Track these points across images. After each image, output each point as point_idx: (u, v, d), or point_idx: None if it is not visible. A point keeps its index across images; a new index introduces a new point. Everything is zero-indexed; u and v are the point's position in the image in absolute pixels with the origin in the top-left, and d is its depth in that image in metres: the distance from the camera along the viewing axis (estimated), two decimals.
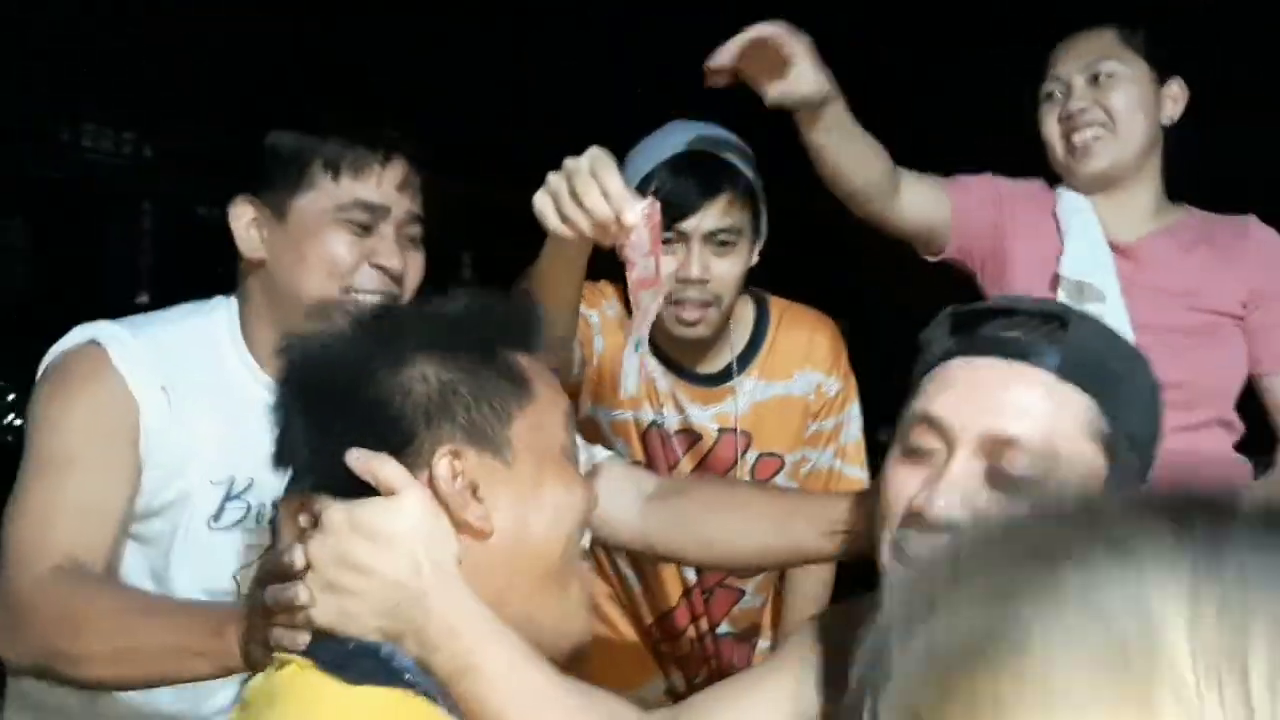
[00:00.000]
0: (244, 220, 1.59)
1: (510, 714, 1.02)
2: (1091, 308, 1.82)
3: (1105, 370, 1.08)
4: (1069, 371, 1.07)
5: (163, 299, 1.84)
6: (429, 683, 1.02)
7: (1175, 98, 1.99)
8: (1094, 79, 1.96)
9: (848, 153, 1.78)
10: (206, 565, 1.56)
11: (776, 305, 2.10)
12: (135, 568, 1.55)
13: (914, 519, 1.09)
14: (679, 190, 1.85)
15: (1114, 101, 1.95)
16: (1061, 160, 1.99)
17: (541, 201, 1.37)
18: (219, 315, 1.64)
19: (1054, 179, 2.03)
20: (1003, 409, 1.08)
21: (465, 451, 1.08)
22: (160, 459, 1.52)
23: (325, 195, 1.57)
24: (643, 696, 2.06)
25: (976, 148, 2.04)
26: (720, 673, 2.09)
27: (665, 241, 1.82)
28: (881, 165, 1.84)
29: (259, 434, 1.42)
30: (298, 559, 1.04)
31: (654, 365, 2.00)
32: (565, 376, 1.78)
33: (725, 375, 2.02)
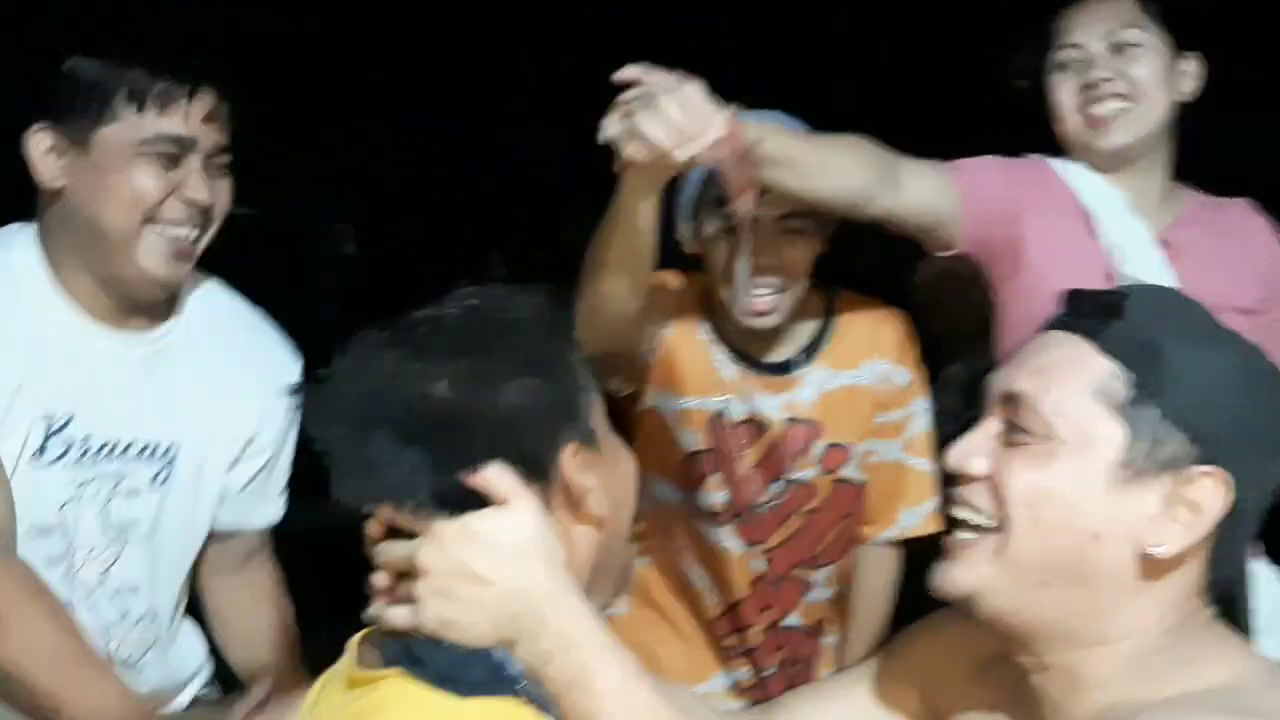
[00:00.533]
0: (41, 149, 1.57)
1: None
2: None
3: (1149, 343, 1.08)
4: (1108, 342, 1.10)
5: None
6: (540, 693, 1.03)
7: (1191, 73, 1.89)
8: (1116, 48, 1.84)
9: (815, 179, 1.71)
10: (31, 501, 1.55)
11: (845, 295, 2.08)
12: None
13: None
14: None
15: (1138, 72, 1.84)
16: (1077, 134, 1.88)
17: (613, 129, 1.39)
18: (17, 248, 1.62)
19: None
20: (1022, 369, 1.14)
21: (579, 448, 1.11)
22: None
23: (130, 128, 1.56)
24: (706, 692, 2.08)
25: (976, 148, 1.95)
26: (790, 664, 2.09)
27: (731, 229, 1.84)
28: (864, 173, 1.75)
29: (76, 369, 1.50)
30: (404, 560, 1.06)
31: (720, 355, 1.99)
32: (645, 337, 1.84)
33: (791, 364, 2.00)
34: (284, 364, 1.78)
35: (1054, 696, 1.13)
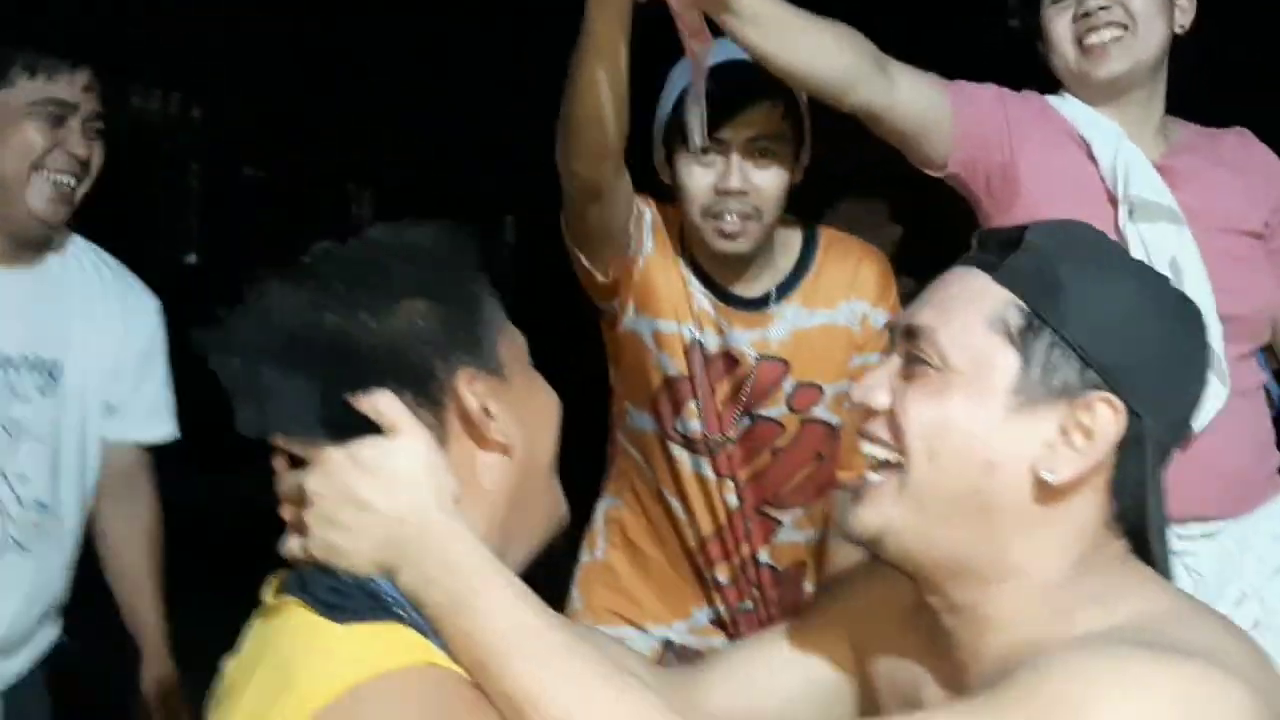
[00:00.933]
0: None
1: (499, 651, 1.01)
2: (1167, 229, 1.79)
3: (1048, 273, 1.08)
4: (1005, 273, 1.10)
5: (211, 257, 2.07)
6: (421, 618, 1.03)
7: (1184, 6, 1.89)
8: None
9: (790, 46, 1.67)
10: None
11: (826, 234, 2.06)
12: None
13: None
14: (717, 98, 1.81)
15: (1134, 1, 1.83)
16: (1073, 65, 1.87)
17: None
18: None
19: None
20: (923, 304, 1.13)
21: (476, 375, 1.11)
22: None
23: (23, 91, 1.95)
24: (683, 628, 2.13)
25: None
26: (764, 603, 2.10)
27: (705, 151, 1.84)
28: (847, 56, 1.71)
29: None
30: (295, 490, 1.07)
31: (696, 287, 1.99)
32: (609, 165, 1.81)
33: (766, 300, 1.99)
34: (145, 299, 2.19)
35: (965, 638, 1.12)
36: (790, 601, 2.08)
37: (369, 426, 1.06)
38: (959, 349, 1.08)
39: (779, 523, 2.07)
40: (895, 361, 1.14)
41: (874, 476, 1.13)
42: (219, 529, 4.55)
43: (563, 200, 1.87)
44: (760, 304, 1.98)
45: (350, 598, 1.03)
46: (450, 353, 1.10)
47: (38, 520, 2.00)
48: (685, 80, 1.85)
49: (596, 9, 1.58)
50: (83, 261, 2.12)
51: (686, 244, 1.99)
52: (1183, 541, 1.82)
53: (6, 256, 2.01)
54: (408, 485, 1.04)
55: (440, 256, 1.15)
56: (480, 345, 1.12)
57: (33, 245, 2.02)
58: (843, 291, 2.00)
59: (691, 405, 2.00)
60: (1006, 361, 1.07)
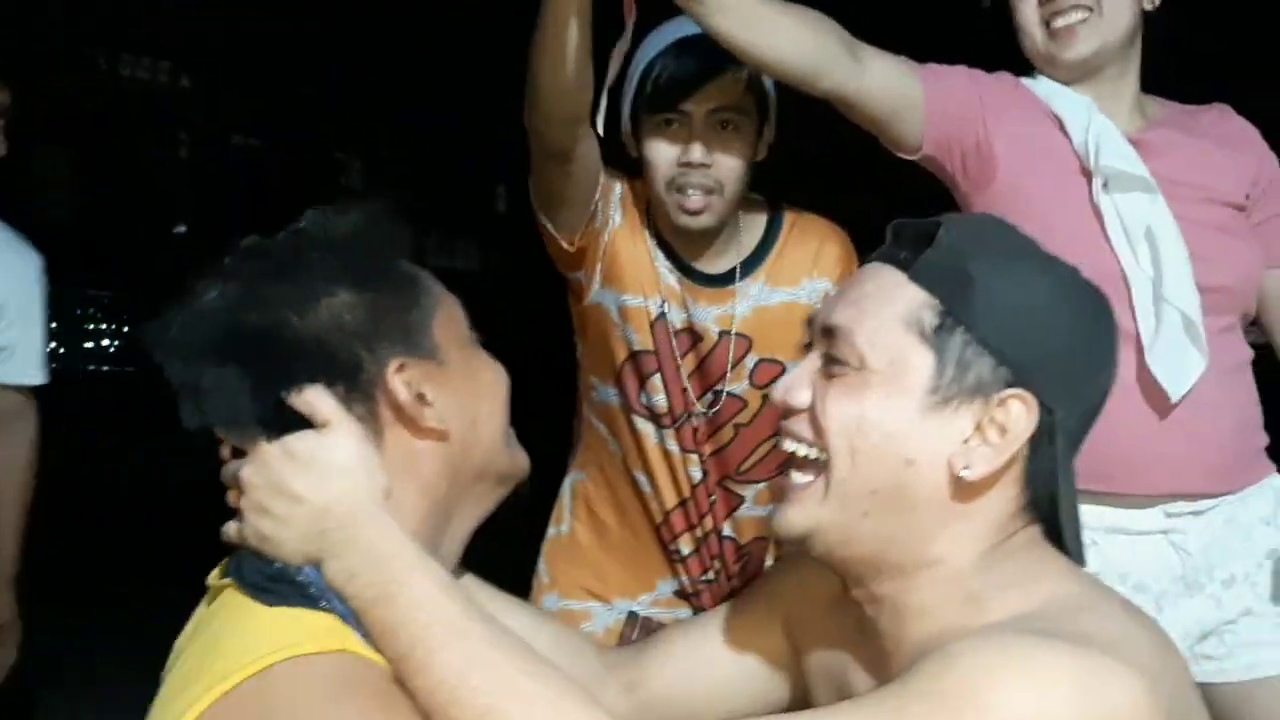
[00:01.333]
0: None
1: (421, 643, 1.03)
2: (1140, 199, 1.78)
3: (959, 271, 1.10)
4: (919, 271, 1.12)
5: (200, 227, 2.10)
6: (345, 608, 1.06)
7: None
8: None
9: (758, 34, 1.66)
10: None
11: (790, 212, 2.08)
12: None
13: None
14: (680, 69, 1.85)
15: None
16: (1041, 48, 1.88)
17: None
18: None
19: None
20: (840, 302, 1.16)
21: (408, 362, 1.13)
22: None
23: None
24: (648, 600, 2.16)
25: None
26: (726, 575, 2.13)
27: (668, 124, 1.89)
28: (816, 41, 1.71)
29: None
30: (233, 478, 1.12)
31: (662, 262, 2.00)
32: (575, 129, 1.81)
33: (731, 277, 2.01)
34: (25, 252, 2.43)
35: (887, 627, 1.15)
36: (752, 574, 2.10)
37: (303, 421, 1.09)
38: (876, 349, 1.11)
39: (741, 498, 2.09)
40: (815, 359, 1.16)
41: (799, 477, 1.16)
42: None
43: (531, 164, 1.87)
44: (725, 280, 2.00)
45: (279, 583, 1.07)
46: (377, 343, 1.12)
47: None
48: (648, 56, 1.87)
49: None
50: None
51: (653, 219, 2.01)
52: (1170, 519, 1.84)
53: None
54: (337, 478, 1.08)
55: (365, 244, 1.16)
56: (410, 332, 1.15)
57: None
58: (805, 270, 2.02)
59: (656, 379, 2.02)
60: (922, 361, 1.10)
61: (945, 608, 1.10)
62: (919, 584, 1.12)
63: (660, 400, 2.03)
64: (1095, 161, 1.81)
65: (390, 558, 1.06)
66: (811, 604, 1.30)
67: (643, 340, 2.01)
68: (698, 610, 2.11)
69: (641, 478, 2.10)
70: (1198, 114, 1.97)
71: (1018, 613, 1.06)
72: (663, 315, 2.00)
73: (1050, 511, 1.14)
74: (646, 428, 2.06)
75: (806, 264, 2.03)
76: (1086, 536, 1.75)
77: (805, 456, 1.15)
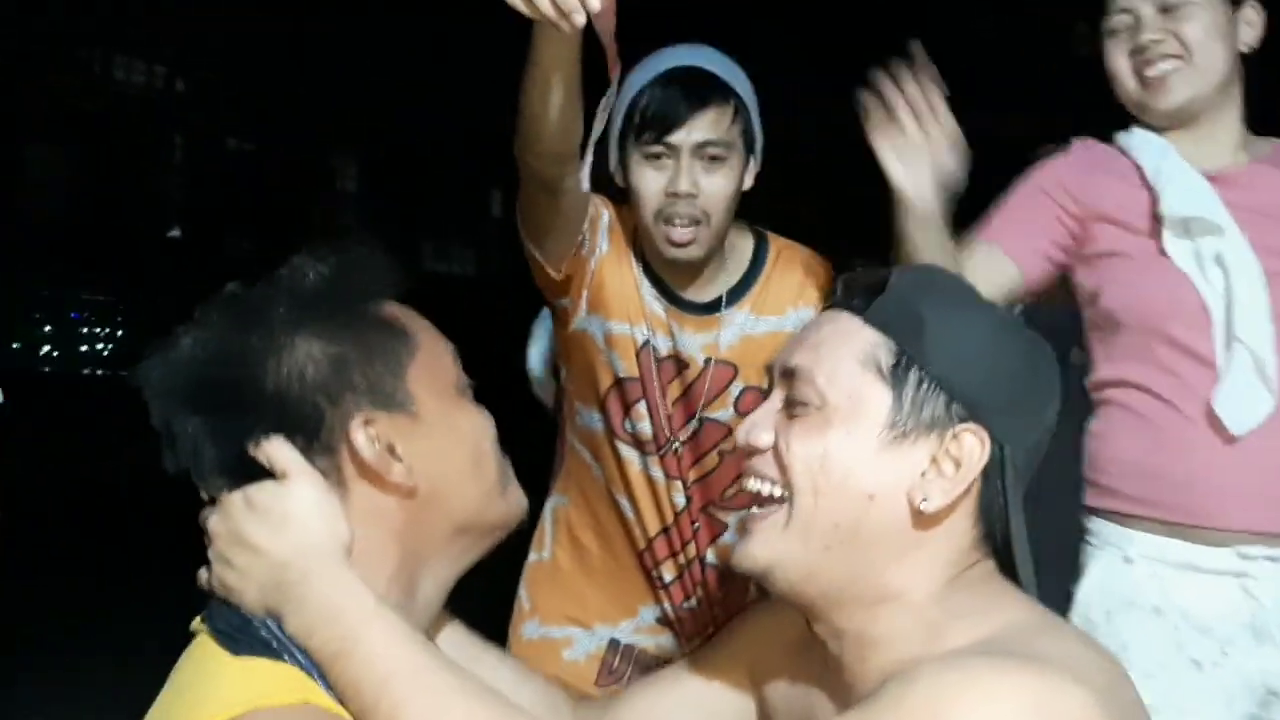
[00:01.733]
0: None
1: (382, 696, 1.03)
2: (1207, 242, 1.79)
3: (911, 314, 1.15)
4: (872, 314, 1.17)
5: (195, 230, 2.05)
6: (308, 660, 1.05)
7: (1252, 22, 1.88)
8: (1164, 9, 1.84)
9: (926, 256, 1.70)
10: None
11: (776, 242, 2.08)
12: None
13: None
14: (667, 102, 1.85)
15: (1189, 31, 1.83)
16: (1134, 96, 1.89)
17: None
18: None
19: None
20: (799, 345, 1.20)
21: (375, 415, 1.11)
22: None
23: None
24: (629, 627, 2.12)
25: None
26: (709, 602, 2.09)
27: (655, 156, 1.88)
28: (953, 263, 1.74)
29: None
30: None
31: (649, 290, 2.00)
32: (565, 165, 1.80)
33: (717, 305, 2.01)
34: None
35: (849, 661, 1.17)
36: (735, 601, 2.08)
37: (267, 471, 1.09)
38: (835, 387, 1.15)
39: (725, 525, 2.08)
40: (776, 401, 1.20)
41: (760, 511, 1.19)
42: None
43: (519, 193, 1.87)
44: (711, 308, 2.00)
45: (245, 633, 1.06)
46: (341, 396, 1.11)
47: None
48: (643, 79, 1.88)
49: (542, 37, 1.57)
50: None
51: (640, 247, 2.01)
52: (1244, 561, 1.78)
53: None
54: (295, 530, 1.07)
55: (335, 293, 1.14)
56: (378, 383, 1.12)
57: None
58: (791, 299, 2.02)
59: (641, 406, 2.02)
60: (880, 398, 1.14)
61: (906, 639, 1.13)
62: (880, 616, 1.15)
63: (645, 427, 2.02)
64: (1162, 208, 1.83)
65: (343, 611, 1.05)
66: (776, 649, 1.31)
67: (628, 367, 2.01)
68: (680, 637, 2.10)
69: (624, 503, 2.08)
70: None
71: (975, 639, 1.09)
72: (648, 343, 2.00)
73: (1004, 544, 1.17)
74: (630, 454, 2.05)
75: (792, 293, 2.03)
76: (1150, 569, 1.81)
77: (769, 495, 1.18)
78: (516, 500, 1.23)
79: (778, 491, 1.17)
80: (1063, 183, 1.91)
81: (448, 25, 5.07)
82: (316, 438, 1.10)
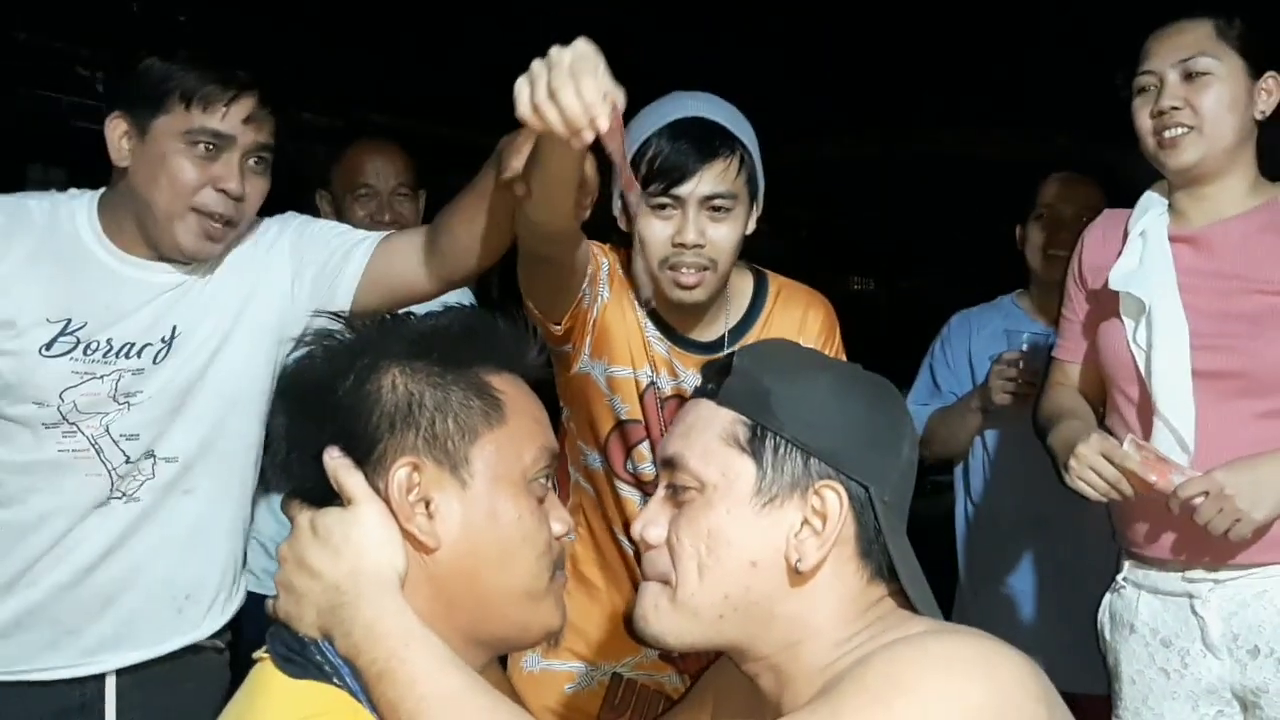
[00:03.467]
0: (117, 133, 1.90)
1: (419, 717, 1.07)
2: (1129, 321, 2.02)
3: (756, 388, 1.25)
4: (723, 395, 1.27)
5: None
6: (357, 683, 1.09)
7: (1270, 90, 2.02)
8: (1187, 75, 1.98)
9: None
10: (36, 382, 1.88)
11: (775, 281, 2.12)
12: None
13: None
14: (674, 155, 1.89)
15: (1205, 102, 1.97)
16: (1152, 151, 2.04)
17: (519, 87, 1.39)
18: (81, 200, 1.97)
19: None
20: (673, 435, 1.30)
21: (425, 464, 1.14)
22: None
23: (178, 120, 1.86)
24: (632, 662, 2.14)
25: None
26: None
27: (662, 207, 1.91)
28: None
29: (96, 288, 1.90)
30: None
31: (652, 330, 2.04)
32: (565, 244, 1.84)
33: (720, 344, 2.04)
34: (270, 224, 2.07)
35: (774, 694, 1.26)
36: None
37: (333, 492, 1.13)
38: (707, 468, 1.24)
39: None
40: (662, 491, 1.29)
41: (651, 586, 1.26)
42: None
43: (518, 256, 1.88)
44: (714, 348, 2.03)
45: (302, 656, 1.10)
46: (404, 432, 1.13)
47: (141, 470, 1.95)
48: (642, 136, 1.90)
49: (549, 143, 1.52)
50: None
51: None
52: (1190, 584, 2.04)
53: (149, 258, 1.95)
54: (351, 555, 1.11)
55: (447, 345, 1.18)
56: (443, 438, 1.14)
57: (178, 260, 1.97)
58: (791, 337, 2.06)
59: (643, 448, 2.04)
60: (745, 468, 1.23)
61: (823, 666, 1.20)
62: (798, 655, 1.23)
63: (647, 468, 2.04)
64: (1118, 272, 2.07)
65: (388, 634, 1.09)
66: (736, 694, 1.37)
67: (631, 410, 2.03)
68: (681, 674, 2.11)
69: (626, 541, 2.10)
70: None
71: (900, 636, 1.17)
72: (652, 384, 2.03)
73: (896, 575, 1.25)
74: (631, 493, 2.07)
75: (792, 330, 2.07)
76: (1132, 593, 2.07)
77: (655, 578, 1.27)
78: (548, 612, 1.22)
79: (657, 573, 1.26)
80: (1080, 269, 2.18)
81: (476, 38, 5.06)
82: (368, 459, 1.13)
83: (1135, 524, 2.06)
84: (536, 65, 1.37)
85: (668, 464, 1.28)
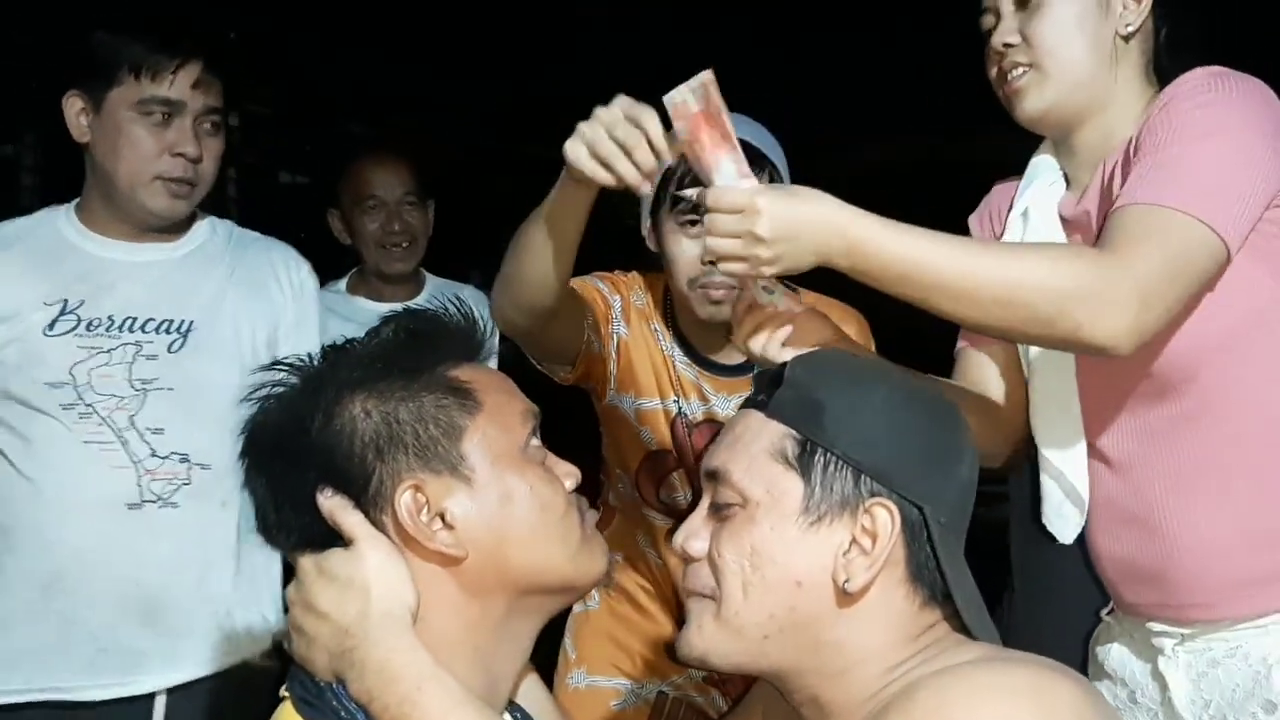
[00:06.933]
0: (74, 110, 1.98)
1: None
2: None
3: (808, 400, 1.21)
4: (773, 408, 1.23)
5: None
6: None
7: (1128, 0, 1.58)
8: (1022, 3, 1.57)
9: None
10: (44, 362, 1.93)
11: (806, 296, 2.06)
12: None
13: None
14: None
15: (1041, 30, 1.55)
16: (1004, 104, 1.63)
17: (575, 151, 1.41)
18: (59, 207, 2.06)
19: None
20: (718, 448, 1.26)
21: (425, 480, 1.12)
22: None
23: (130, 91, 1.94)
24: (679, 682, 2.12)
25: None
26: None
27: (693, 223, 1.88)
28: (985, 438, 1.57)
29: (85, 271, 1.97)
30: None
31: (680, 357, 2.03)
32: (560, 333, 1.84)
33: (749, 366, 2.00)
34: (293, 262, 2.17)
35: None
36: None
37: (335, 535, 1.11)
38: (752, 483, 1.20)
39: None
40: (705, 506, 1.26)
41: (695, 604, 1.23)
42: None
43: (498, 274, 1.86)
44: (743, 369, 2.02)
45: (320, 698, 1.09)
46: (393, 455, 1.11)
47: (175, 471, 1.96)
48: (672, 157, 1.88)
49: (562, 196, 1.55)
50: (226, 237, 2.15)
51: (670, 314, 2.04)
52: (1157, 638, 1.63)
53: (135, 239, 2.03)
54: (358, 596, 1.09)
55: (398, 357, 1.16)
56: (432, 446, 1.12)
57: (162, 230, 2.05)
58: None
59: (674, 478, 2.04)
60: (792, 486, 1.19)
61: (871, 696, 1.16)
62: (843, 684, 1.19)
63: (680, 496, 2.04)
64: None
65: (400, 677, 1.07)
66: (781, 704, 1.33)
67: (660, 440, 2.03)
68: (725, 697, 2.10)
69: (664, 567, 2.10)
70: None
71: (950, 664, 1.13)
72: (681, 412, 2.03)
73: (951, 600, 1.21)
74: (665, 522, 2.07)
75: None
76: (1106, 629, 1.72)
77: (701, 593, 1.23)
78: (590, 560, 1.21)
79: (711, 592, 1.22)
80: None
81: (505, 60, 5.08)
82: (365, 494, 1.11)
83: (1094, 546, 1.70)
84: (586, 127, 1.41)
85: (711, 476, 1.24)
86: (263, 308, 2.09)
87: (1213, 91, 1.49)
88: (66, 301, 1.95)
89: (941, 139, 5.75)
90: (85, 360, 1.92)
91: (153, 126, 1.94)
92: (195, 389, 1.97)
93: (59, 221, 2.03)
